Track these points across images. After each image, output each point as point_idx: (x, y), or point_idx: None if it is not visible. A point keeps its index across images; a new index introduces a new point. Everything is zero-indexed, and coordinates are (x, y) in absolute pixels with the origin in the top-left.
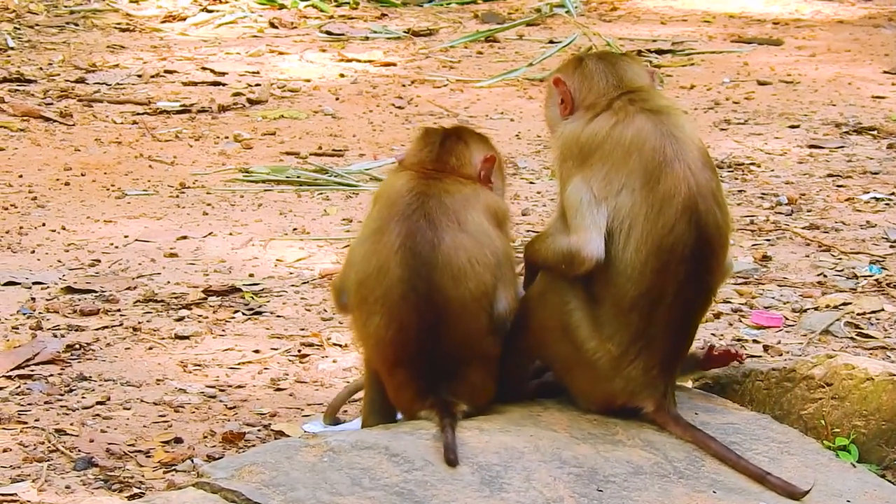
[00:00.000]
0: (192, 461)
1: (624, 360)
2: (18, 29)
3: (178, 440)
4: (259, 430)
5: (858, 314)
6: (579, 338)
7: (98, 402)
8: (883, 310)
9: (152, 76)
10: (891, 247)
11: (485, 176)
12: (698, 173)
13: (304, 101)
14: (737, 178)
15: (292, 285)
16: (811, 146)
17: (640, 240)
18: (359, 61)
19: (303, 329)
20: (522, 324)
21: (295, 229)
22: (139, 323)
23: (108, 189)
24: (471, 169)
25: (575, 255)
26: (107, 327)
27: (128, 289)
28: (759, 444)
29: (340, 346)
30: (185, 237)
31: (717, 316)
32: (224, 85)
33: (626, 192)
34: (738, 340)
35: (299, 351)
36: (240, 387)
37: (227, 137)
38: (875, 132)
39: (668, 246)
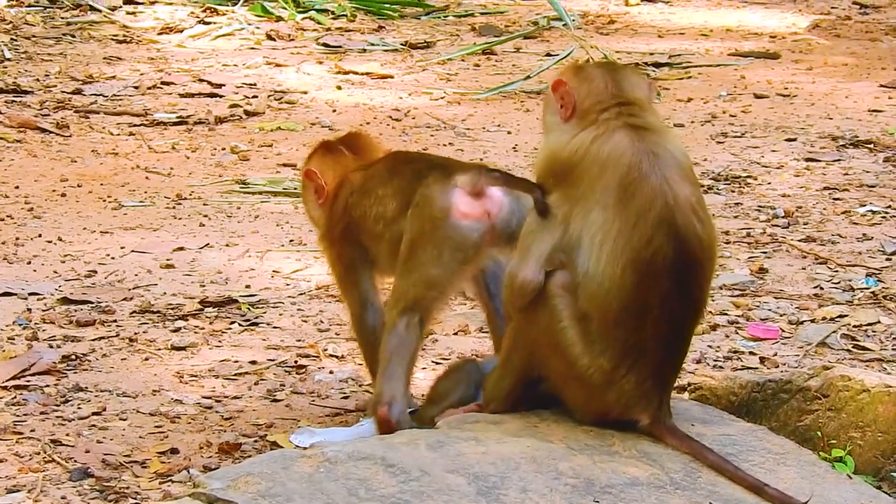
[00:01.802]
0: (189, 472)
1: (616, 374)
2: (15, 40)
3: (175, 451)
4: (255, 441)
5: (855, 326)
6: (572, 354)
7: (94, 413)
8: (879, 322)
9: (149, 88)
10: (887, 259)
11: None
12: (676, 187)
13: (300, 113)
14: (733, 191)
15: (289, 296)
16: (808, 159)
17: (615, 254)
18: (356, 73)
19: (299, 340)
20: (519, 337)
21: (291, 241)
22: (135, 334)
23: (104, 200)
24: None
25: (512, 278)
26: (103, 338)
27: (124, 300)
28: (755, 455)
29: (337, 357)
30: (181, 248)
31: (714, 328)
32: (221, 97)
33: (599, 208)
34: (735, 352)
35: (296, 362)
36: (236, 398)
37: (223, 149)
38: (872, 145)
39: (646, 259)
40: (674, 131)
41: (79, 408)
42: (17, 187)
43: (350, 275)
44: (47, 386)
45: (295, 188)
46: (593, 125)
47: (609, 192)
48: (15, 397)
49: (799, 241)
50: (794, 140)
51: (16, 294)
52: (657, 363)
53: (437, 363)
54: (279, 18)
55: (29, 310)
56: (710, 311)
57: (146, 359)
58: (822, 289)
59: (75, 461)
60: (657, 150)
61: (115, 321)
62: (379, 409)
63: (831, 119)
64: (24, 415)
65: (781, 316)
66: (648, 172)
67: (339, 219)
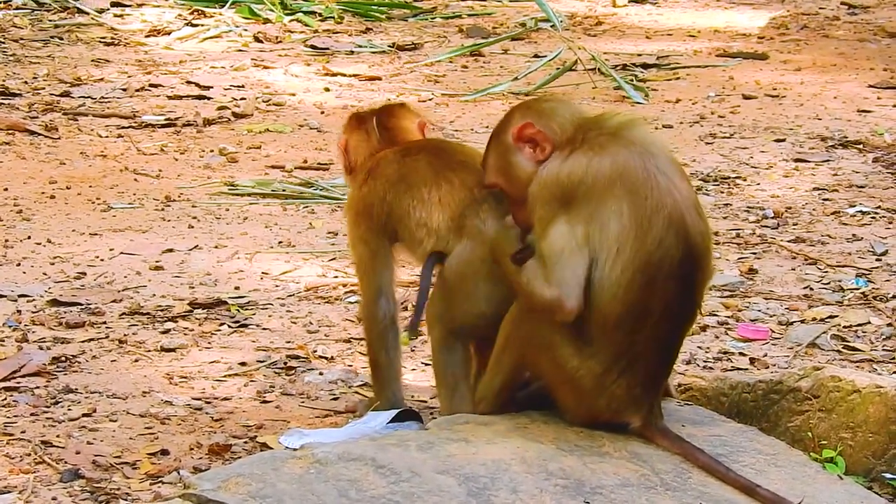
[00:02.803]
0: (179, 473)
1: (607, 378)
2: (3, 43)
3: (165, 452)
4: (245, 443)
5: (845, 327)
6: (562, 356)
7: (84, 414)
8: (869, 323)
9: (137, 90)
10: (877, 260)
11: None
12: (679, 185)
13: (289, 115)
14: (722, 192)
15: (278, 298)
16: (797, 160)
17: (628, 260)
18: (344, 75)
19: (289, 342)
20: (511, 336)
21: (280, 242)
22: (125, 335)
23: (93, 202)
24: None
25: (558, 308)
26: (92, 340)
27: (113, 301)
28: (745, 456)
29: (326, 358)
30: (170, 250)
31: (704, 329)
32: (209, 99)
33: (615, 218)
34: (725, 353)
35: (285, 363)
36: (226, 399)
37: (212, 151)
38: (861, 146)
39: (655, 261)
40: (643, 120)
41: (69, 409)
42: (5, 189)
43: (372, 262)
44: (37, 387)
45: (283, 190)
46: (581, 147)
47: (621, 201)
48: (5, 399)
49: (788, 241)
50: (783, 141)
51: (5, 296)
52: (650, 367)
53: (428, 364)
54: (266, 20)
55: (18, 311)
56: (702, 313)
57: (136, 360)
58: (811, 289)
59: (66, 462)
60: (652, 150)
61: (104, 323)
62: None
63: (820, 119)
64: (15, 416)
65: (771, 317)
66: (654, 173)
67: (377, 206)
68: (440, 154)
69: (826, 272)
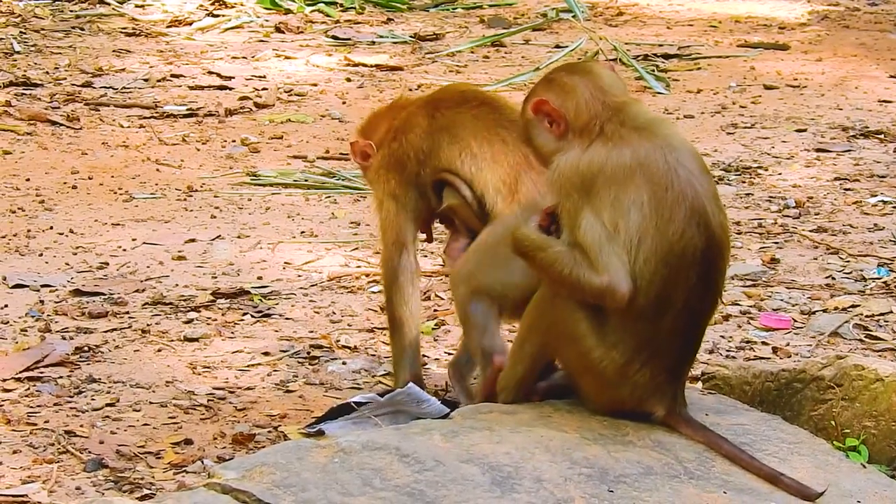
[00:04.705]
0: (203, 462)
1: (630, 367)
2: (24, 33)
3: (188, 441)
4: (269, 432)
5: (867, 316)
6: (586, 345)
7: (108, 404)
8: (891, 312)
9: (159, 80)
10: None
11: None
12: (700, 178)
13: (310, 105)
14: (744, 182)
15: (301, 288)
16: (818, 150)
17: (650, 250)
18: (365, 65)
19: (311, 331)
20: (533, 325)
21: (303, 232)
22: (148, 325)
23: (115, 192)
24: None
25: (610, 294)
26: (115, 329)
27: (136, 291)
28: (769, 444)
29: (349, 348)
30: (193, 240)
31: (726, 318)
32: (231, 89)
33: (635, 209)
34: (747, 342)
35: (308, 353)
36: (249, 389)
37: (234, 141)
38: (882, 136)
39: (678, 252)
40: (671, 120)
41: (92, 399)
42: (28, 180)
43: (398, 216)
44: (61, 377)
45: (306, 180)
46: (600, 138)
47: (641, 190)
48: (28, 389)
49: (810, 231)
50: (805, 131)
51: (28, 286)
52: (673, 356)
53: (449, 353)
54: (288, 11)
55: (41, 302)
56: (723, 302)
57: (159, 350)
58: (833, 279)
59: (89, 452)
60: (673, 143)
61: (127, 313)
62: (496, 357)
63: (841, 110)
64: (38, 406)
65: (794, 306)
66: (675, 166)
67: (412, 157)
68: (487, 108)
69: (848, 261)
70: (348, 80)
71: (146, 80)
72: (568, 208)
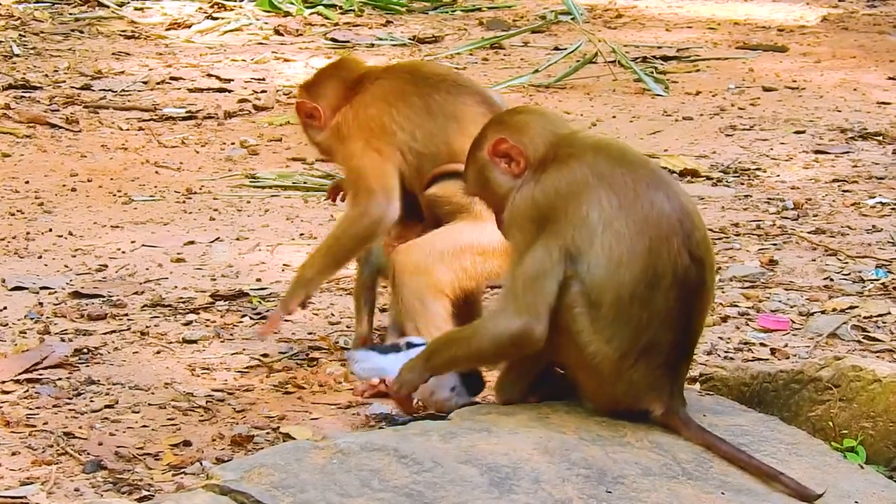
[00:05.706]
0: (201, 464)
1: (624, 363)
2: (24, 36)
3: (187, 443)
4: (267, 434)
5: (865, 318)
6: (581, 342)
7: (106, 406)
8: (889, 313)
9: (158, 83)
10: None
11: None
12: (659, 170)
13: None
14: (743, 183)
15: None
16: (817, 151)
17: (623, 226)
18: None
19: (310, 333)
20: None
21: (302, 234)
22: (147, 327)
23: (114, 195)
24: None
25: (527, 336)
26: (114, 331)
27: (135, 293)
28: (767, 445)
29: (348, 349)
30: (192, 242)
31: (725, 319)
32: (230, 91)
33: (594, 209)
34: (745, 343)
35: (307, 355)
36: (248, 390)
37: (233, 143)
38: (881, 137)
39: (654, 221)
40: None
41: (91, 401)
42: (27, 182)
43: (382, 165)
44: (60, 379)
45: (305, 182)
46: (554, 164)
47: (598, 190)
48: (27, 390)
49: (809, 232)
50: (803, 132)
51: (27, 288)
52: (667, 352)
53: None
54: (287, 13)
55: (40, 304)
56: (721, 303)
57: (158, 352)
58: (832, 280)
59: (88, 454)
60: (629, 159)
61: (126, 315)
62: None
63: (840, 111)
64: (37, 408)
65: (792, 307)
66: (629, 172)
67: (406, 132)
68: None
69: (846, 263)
70: None
71: (145, 83)
72: (518, 242)
